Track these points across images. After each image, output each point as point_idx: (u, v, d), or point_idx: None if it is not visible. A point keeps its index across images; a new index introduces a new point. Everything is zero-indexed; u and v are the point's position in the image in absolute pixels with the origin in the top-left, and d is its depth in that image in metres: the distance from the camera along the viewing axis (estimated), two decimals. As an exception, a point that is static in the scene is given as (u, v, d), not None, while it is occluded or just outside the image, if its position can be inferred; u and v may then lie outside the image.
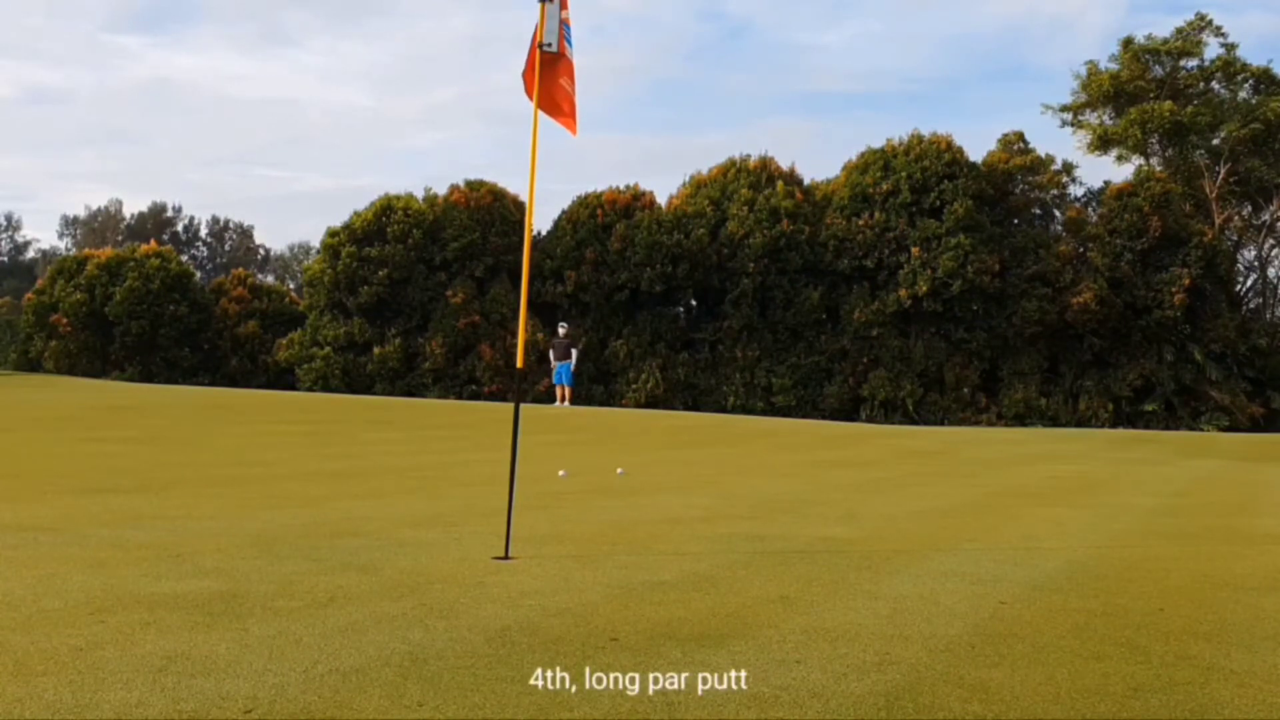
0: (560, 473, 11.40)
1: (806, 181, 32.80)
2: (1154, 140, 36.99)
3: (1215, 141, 36.00)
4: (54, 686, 3.83)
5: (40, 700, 3.69)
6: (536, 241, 31.24)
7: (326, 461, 12.38)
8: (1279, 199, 36.71)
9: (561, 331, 27.16)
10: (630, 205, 31.56)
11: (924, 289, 29.43)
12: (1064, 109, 39.03)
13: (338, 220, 33.67)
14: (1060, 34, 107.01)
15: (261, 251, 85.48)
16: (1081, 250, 31.71)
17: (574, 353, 26.92)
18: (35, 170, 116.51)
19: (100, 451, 12.36)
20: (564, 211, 32.37)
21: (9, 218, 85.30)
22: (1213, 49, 37.11)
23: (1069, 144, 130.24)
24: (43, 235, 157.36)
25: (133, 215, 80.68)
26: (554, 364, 26.57)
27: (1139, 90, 37.09)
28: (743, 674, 4.24)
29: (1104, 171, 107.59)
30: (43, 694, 3.75)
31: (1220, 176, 35.60)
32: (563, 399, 25.89)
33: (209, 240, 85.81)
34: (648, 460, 13.83)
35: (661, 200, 32.54)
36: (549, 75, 7.04)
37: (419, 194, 33.22)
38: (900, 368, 30.15)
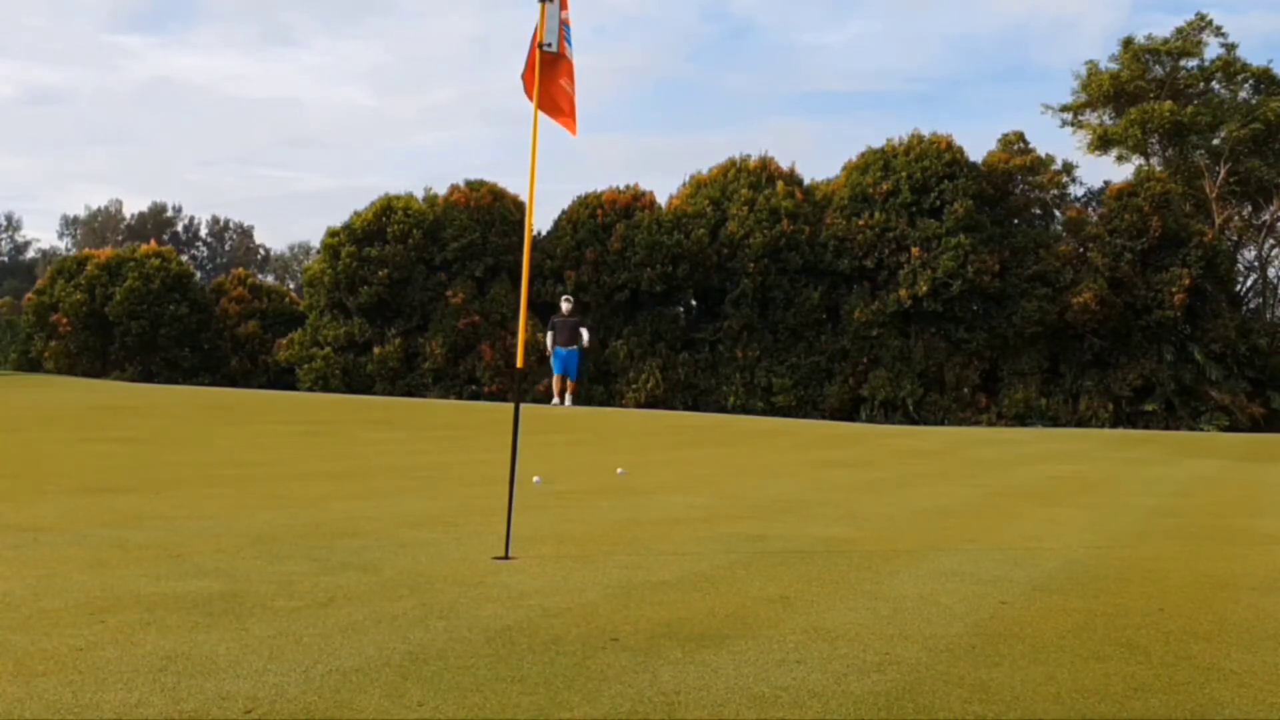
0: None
1: (806, 181, 32.80)
2: (1154, 140, 36.99)
3: (1215, 141, 36.00)
4: (54, 686, 3.83)
5: (40, 700, 3.69)
6: (536, 241, 31.23)
7: (326, 461, 12.37)
8: (1279, 199, 36.71)
9: (565, 308, 22.86)
10: (630, 205, 31.55)
11: (924, 289, 29.42)
12: (1064, 109, 39.07)
13: (338, 220, 33.69)
14: (1062, 34, 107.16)
15: (261, 251, 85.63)
16: (1081, 250, 31.71)
17: (584, 335, 22.36)
18: (35, 170, 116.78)
19: (100, 451, 12.36)
20: (564, 211, 32.37)
21: (9, 218, 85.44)
22: (1213, 49, 37.17)
23: (1069, 144, 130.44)
24: (43, 235, 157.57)
25: (133, 215, 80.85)
26: (550, 349, 22.36)
27: (1139, 90, 37.10)
28: (743, 674, 4.24)
29: (1104, 171, 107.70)
30: (43, 694, 3.75)
31: (1220, 176, 35.59)
32: (563, 395, 22.58)
33: (209, 240, 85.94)
34: (648, 460, 13.83)
35: (661, 200, 32.56)
36: (549, 75, 7.05)
37: (419, 194, 33.24)
38: (900, 368, 30.15)
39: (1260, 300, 38.38)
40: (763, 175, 32.03)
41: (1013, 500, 10.86)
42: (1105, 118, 38.69)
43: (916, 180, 30.45)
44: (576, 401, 23.51)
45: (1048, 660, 4.60)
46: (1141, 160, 36.92)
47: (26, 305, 35.88)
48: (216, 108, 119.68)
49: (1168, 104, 35.37)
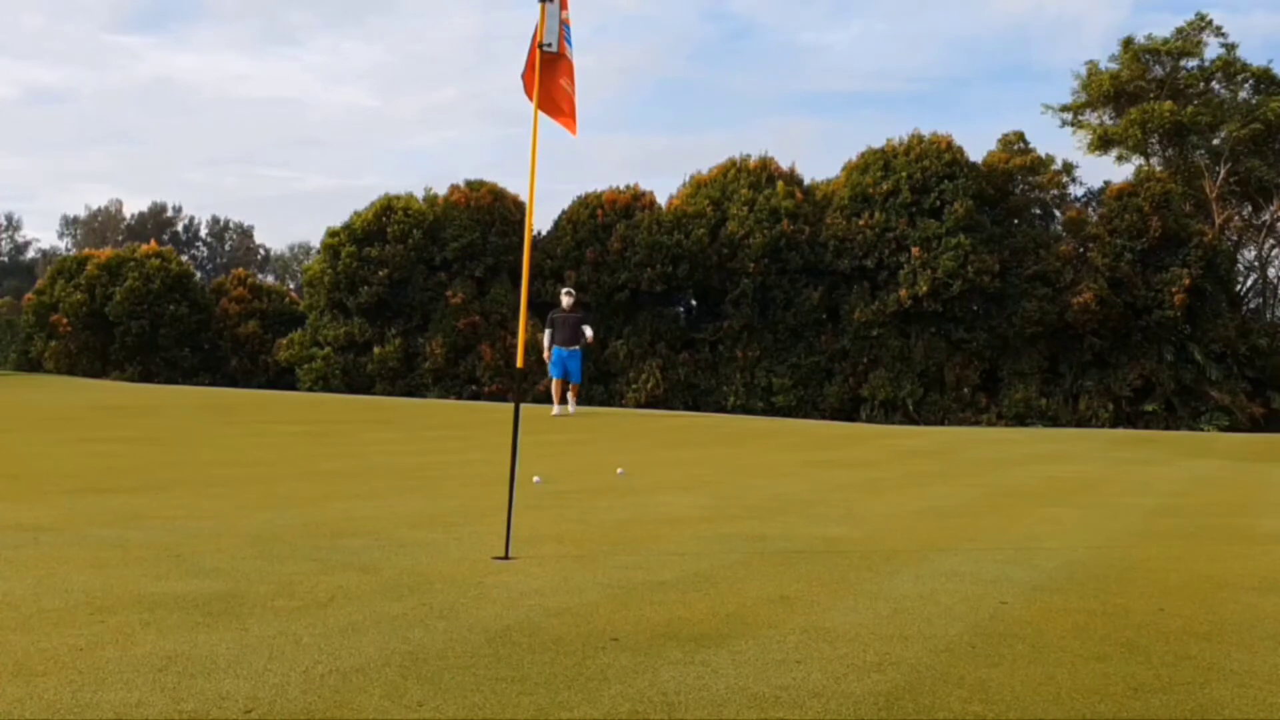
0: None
1: (807, 181, 32.82)
2: (1154, 140, 36.99)
3: (1215, 141, 36.02)
4: (54, 686, 3.83)
5: (40, 700, 3.69)
6: (536, 241, 31.23)
7: (326, 461, 12.37)
8: (1279, 199, 36.70)
9: (567, 302, 20.54)
10: (630, 205, 31.56)
11: (924, 289, 29.42)
12: (1064, 109, 39.07)
13: (338, 220, 33.71)
14: (1062, 34, 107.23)
15: (261, 251, 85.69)
16: (1081, 250, 31.71)
17: (587, 333, 20.09)
18: (35, 170, 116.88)
19: (100, 451, 12.35)
20: (564, 211, 32.38)
21: (9, 218, 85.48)
22: (1213, 49, 37.18)
23: (1069, 144, 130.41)
24: (43, 235, 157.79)
25: (133, 215, 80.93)
26: (549, 348, 20.08)
27: (1139, 90, 37.10)
28: (743, 674, 4.24)
29: (1104, 171, 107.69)
30: (43, 694, 3.75)
31: (1220, 176, 35.60)
32: (564, 399, 20.73)
33: (209, 240, 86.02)
34: (648, 460, 13.82)
35: (662, 200, 32.58)
36: (549, 75, 7.05)
37: (419, 194, 33.25)
38: (900, 368, 30.15)
39: (1260, 300, 38.39)
40: (763, 175, 32.04)
41: (1013, 500, 10.86)
42: (1105, 118, 38.70)
43: (916, 180, 30.45)
44: (578, 403, 21.67)
45: (1048, 660, 4.60)
46: (1141, 160, 36.94)
47: (26, 305, 35.89)
48: (217, 108, 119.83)
49: (1168, 104, 35.37)
